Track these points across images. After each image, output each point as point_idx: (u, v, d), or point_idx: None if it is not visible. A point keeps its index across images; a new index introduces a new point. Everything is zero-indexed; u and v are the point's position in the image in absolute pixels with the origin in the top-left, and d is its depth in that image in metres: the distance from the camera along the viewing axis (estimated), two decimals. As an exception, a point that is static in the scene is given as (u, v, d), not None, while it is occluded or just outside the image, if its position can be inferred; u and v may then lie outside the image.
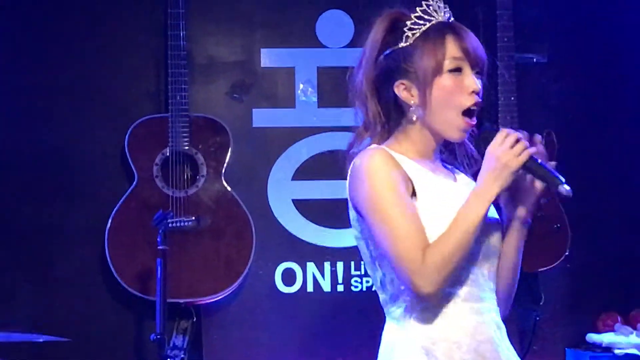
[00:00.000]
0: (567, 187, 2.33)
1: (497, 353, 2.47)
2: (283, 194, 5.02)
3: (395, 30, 2.46)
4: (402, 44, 2.42)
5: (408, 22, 2.43)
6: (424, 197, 2.42)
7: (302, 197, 5.04)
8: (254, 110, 5.01)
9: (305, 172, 5.04)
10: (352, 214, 2.49)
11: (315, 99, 5.06)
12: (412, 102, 2.42)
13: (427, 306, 2.44)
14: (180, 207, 4.75)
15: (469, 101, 2.40)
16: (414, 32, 2.42)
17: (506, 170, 2.34)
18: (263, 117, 5.04)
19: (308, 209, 5.03)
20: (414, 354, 2.43)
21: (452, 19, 2.48)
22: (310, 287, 5.01)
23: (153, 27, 4.97)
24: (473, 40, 2.45)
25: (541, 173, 2.39)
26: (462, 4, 4.83)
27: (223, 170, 4.84)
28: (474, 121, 2.43)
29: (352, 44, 5.01)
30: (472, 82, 2.41)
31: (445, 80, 2.40)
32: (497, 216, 2.56)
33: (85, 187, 4.91)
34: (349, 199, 2.48)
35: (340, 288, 5.01)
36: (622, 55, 5.23)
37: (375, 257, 2.48)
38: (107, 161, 4.91)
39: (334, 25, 5.05)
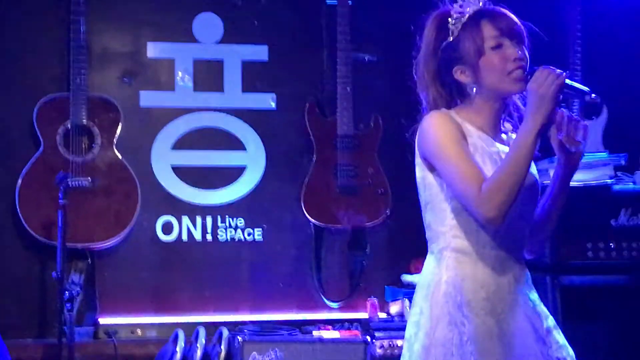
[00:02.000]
0: (593, 95, 2.53)
1: (512, 300, 2.64)
2: (164, 161, 5.32)
3: (443, 28, 2.66)
4: (450, 38, 2.64)
5: (450, 19, 2.65)
6: (473, 153, 2.61)
7: (180, 163, 5.35)
8: (140, 92, 5.33)
9: (182, 143, 5.36)
10: (419, 168, 2.70)
11: (191, 85, 5.38)
12: (468, 81, 2.65)
13: (461, 247, 2.63)
14: (79, 169, 5.02)
15: (512, 65, 2.61)
16: (456, 26, 2.64)
17: (545, 100, 2.49)
18: (148, 98, 5.34)
19: (184, 173, 5.34)
20: (444, 285, 2.63)
21: (486, 4, 2.67)
22: (185, 237, 5.33)
23: (58, 21, 5.20)
24: (508, 18, 2.65)
25: (574, 92, 2.54)
26: (308, 13, 5.41)
27: (115, 141, 5.13)
28: (519, 72, 2.59)
29: (222, 40, 5.42)
30: (513, 51, 2.61)
31: (488, 58, 2.61)
32: (536, 180, 2.70)
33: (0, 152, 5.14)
34: (417, 156, 2.70)
35: (209, 237, 5.34)
36: None
37: (425, 202, 2.70)
38: (18, 131, 5.15)
39: (208, 25, 5.41)
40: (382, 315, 5.25)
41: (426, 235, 2.72)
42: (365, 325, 5.03)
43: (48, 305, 5.10)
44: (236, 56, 5.50)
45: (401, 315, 5.14)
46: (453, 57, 2.66)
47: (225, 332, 4.82)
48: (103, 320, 5.15)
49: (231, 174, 5.47)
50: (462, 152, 2.57)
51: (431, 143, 2.62)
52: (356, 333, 4.89)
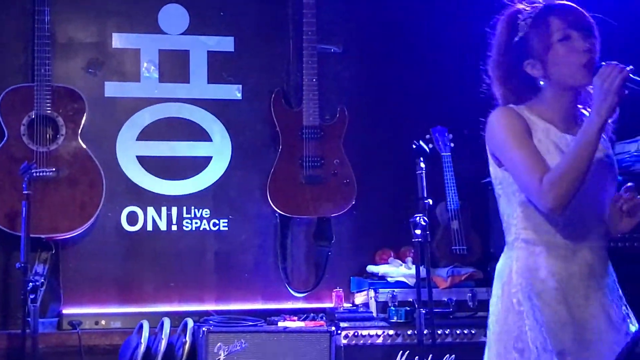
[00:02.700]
0: None
1: (585, 288, 2.66)
2: (129, 152, 5.33)
3: (513, 26, 2.73)
4: (520, 34, 2.71)
5: (520, 16, 2.72)
6: (539, 145, 2.65)
7: (145, 154, 5.35)
8: (106, 83, 5.33)
9: (147, 134, 5.35)
10: (491, 163, 2.76)
11: (156, 76, 5.38)
12: (538, 74, 2.70)
13: (530, 238, 2.69)
14: (43, 160, 5.01)
15: (583, 57, 2.65)
16: (526, 22, 2.71)
17: (609, 94, 2.51)
18: (113, 89, 5.34)
19: (149, 163, 5.35)
20: (515, 275, 2.69)
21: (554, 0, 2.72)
22: (150, 227, 5.34)
23: (23, 12, 5.21)
24: (576, 11, 2.69)
25: (639, 87, 2.53)
26: (274, 4, 5.43)
27: (79, 131, 5.11)
28: (591, 61, 2.63)
29: (187, 32, 5.42)
30: (581, 43, 2.65)
31: (556, 50, 2.66)
32: (612, 162, 2.74)
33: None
34: (488, 151, 2.76)
35: (174, 228, 5.36)
36: (400, 50, 5.60)
37: (498, 195, 2.78)
38: (-18, 121, 5.04)
39: (173, 16, 5.43)
40: (348, 305, 5.28)
41: (503, 227, 2.79)
42: (330, 316, 5.06)
43: (12, 296, 5.10)
44: (202, 47, 5.50)
45: (366, 305, 5.18)
46: (523, 52, 2.71)
47: (190, 323, 4.83)
48: (67, 311, 5.13)
49: (197, 165, 5.47)
50: (525, 145, 2.63)
51: (496, 138, 2.70)
52: (321, 323, 4.91)
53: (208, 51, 5.50)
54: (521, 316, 2.67)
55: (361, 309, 5.16)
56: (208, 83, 5.51)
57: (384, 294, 5.09)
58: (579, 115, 2.77)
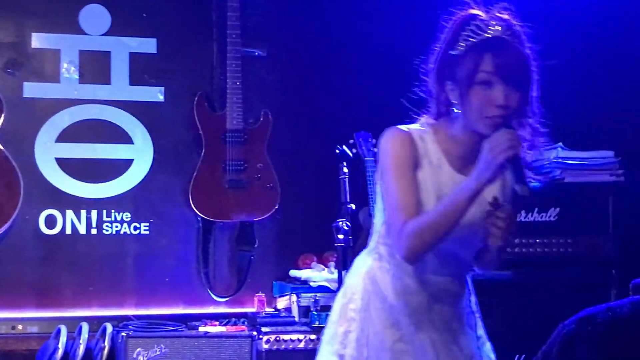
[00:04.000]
0: (523, 188, 2.42)
1: (419, 320, 2.63)
2: (47, 154, 5.25)
3: (458, 34, 2.56)
4: (454, 52, 2.55)
5: (464, 33, 2.55)
6: (421, 181, 2.58)
7: (64, 156, 5.27)
8: (24, 83, 5.25)
9: (67, 136, 5.28)
10: (378, 172, 2.67)
11: (77, 77, 5.31)
12: (455, 101, 2.57)
13: (385, 254, 2.67)
14: None
15: (492, 112, 2.49)
16: (464, 44, 2.54)
17: (491, 166, 2.41)
18: (32, 90, 5.26)
19: (68, 166, 5.27)
20: (363, 282, 2.70)
21: (504, 35, 2.52)
22: (68, 230, 5.26)
23: None
24: (510, 58, 2.50)
25: (516, 169, 2.45)
26: (198, 6, 5.39)
27: None
28: (497, 120, 2.48)
29: (109, 33, 5.36)
30: (499, 95, 2.47)
31: (475, 91, 2.50)
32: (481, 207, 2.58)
33: None
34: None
35: (94, 231, 5.29)
36: (324, 54, 5.58)
37: (378, 206, 2.70)
38: None
39: (94, 16, 5.35)
40: (270, 310, 5.27)
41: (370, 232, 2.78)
42: (252, 320, 5.05)
43: None
44: (124, 48, 5.45)
45: (288, 310, 5.18)
46: (449, 71, 2.58)
47: (109, 328, 4.79)
48: (-17, 316, 5.01)
49: (118, 167, 5.42)
50: (404, 180, 2.56)
51: (381, 160, 2.63)
52: (243, 328, 4.91)
53: (130, 52, 5.45)
54: (350, 324, 2.67)
55: (283, 314, 5.15)
56: (130, 85, 5.45)
57: (307, 299, 5.08)
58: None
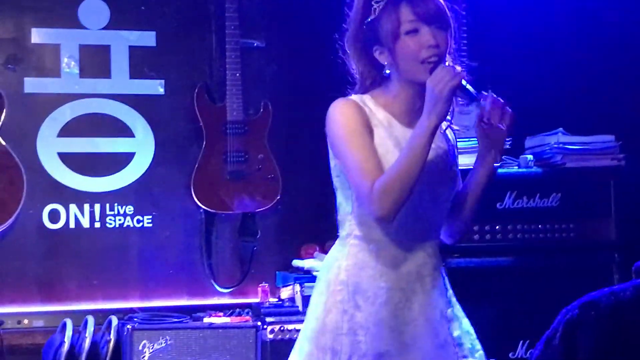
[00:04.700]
0: (482, 101, 2.51)
1: (411, 290, 2.62)
2: (50, 148, 5.24)
3: (368, 4, 2.62)
4: (371, 17, 2.61)
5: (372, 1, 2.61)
6: (379, 144, 2.58)
7: (66, 150, 5.26)
8: (25, 79, 5.23)
9: (68, 130, 5.27)
10: (330, 155, 2.71)
11: (77, 71, 5.29)
12: (385, 62, 2.62)
13: (364, 235, 2.63)
14: None
15: (426, 53, 2.55)
16: (379, 5, 2.60)
17: (440, 101, 2.45)
18: (33, 85, 5.24)
19: (71, 160, 5.27)
20: (342, 273, 2.66)
21: None
22: (72, 224, 5.24)
23: None
24: (428, 2, 2.57)
25: (466, 95, 2.52)
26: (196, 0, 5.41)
27: None
28: (433, 60, 2.53)
29: (108, 26, 5.36)
30: (429, 37, 2.55)
31: (404, 42, 2.56)
32: (452, 166, 2.68)
33: None
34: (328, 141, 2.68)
35: (97, 225, 5.27)
36: (324, 43, 5.65)
37: (335, 187, 2.72)
38: None
39: (93, 10, 5.33)
40: (274, 300, 5.28)
41: (337, 220, 2.73)
42: (256, 311, 5.06)
43: None
44: (123, 42, 5.44)
45: (292, 300, 5.17)
46: (373, 37, 2.63)
47: (115, 321, 4.80)
48: (-12, 311, 5.03)
49: (119, 161, 5.42)
50: (361, 145, 2.55)
51: (332, 133, 2.63)
52: (247, 319, 4.91)
53: (129, 46, 5.45)
54: (342, 315, 2.63)
55: (287, 304, 5.15)
56: (130, 78, 5.45)
57: (310, 288, 4.88)
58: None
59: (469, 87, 2.50)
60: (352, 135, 2.57)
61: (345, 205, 2.68)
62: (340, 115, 2.61)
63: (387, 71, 2.64)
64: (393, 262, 2.63)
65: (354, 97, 2.67)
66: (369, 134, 2.58)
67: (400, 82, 2.63)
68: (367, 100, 2.65)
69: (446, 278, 2.76)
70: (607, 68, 5.61)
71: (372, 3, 2.61)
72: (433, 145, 2.54)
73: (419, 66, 2.56)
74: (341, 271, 2.66)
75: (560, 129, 5.03)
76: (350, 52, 2.70)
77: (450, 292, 2.76)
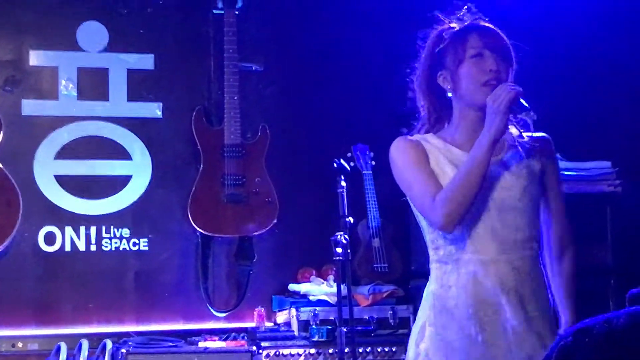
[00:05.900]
0: (531, 113, 2.66)
1: (497, 307, 2.67)
2: (46, 171, 5.25)
3: (440, 39, 2.78)
4: (441, 46, 2.76)
5: (446, 27, 2.79)
6: (435, 165, 2.73)
7: (63, 173, 5.27)
8: (23, 100, 5.25)
9: (65, 153, 5.28)
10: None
11: (75, 94, 5.32)
12: (448, 86, 2.76)
13: (442, 257, 2.74)
14: None
15: (486, 77, 2.70)
16: (448, 34, 2.76)
17: (498, 115, 2.60)
18: (31, 107, 5.26)
19: (68, 183, 5.27)
20: (431, 296, 2.78)
21: (482, 21, 2.79)
22: (68, 247, 5.24)
23: None
24: (495, 34, 2.75)
25: (520, 108, 2.65)
26: (195, 22, 5.44)
27: None
28: (492, 84, 2.67)
29: (107, 49, 5.37)
30: (491, 62, 2.70)
31: (468, 65, 2.71)
32: (521, 173, 2.77)
33: None
34: None
35: (93, 248, 5.27)
36: (321, 68, 5.59)
37: (419, 221, 2.84)
38: None
39: (92, 33, 5.36)
40: (269, 324, 5.26)
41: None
42: (251, 335, 5.03)
43: None
44: (121, 64, 5.45)
45: (288, 324, 5.17)
46: (439, 63, 2.78)
47: (109, 345, 4.77)
48: (-17, 334, 4.99)
49: (116, 184, 5.42)
50: (420, 171, 2.70)
51: (394, 170, 2.78)
52: (242, 343, 4.88)
53: (128, 69, 5.46)
54: (433, 336, 2.73)
55: (283, 328, 5.15)
56: (128, 101, 5.46)
57: (306, 313, 5.08)
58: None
59: (522, 101, 2.64)
60: (412, 165, 2.72)
61: (424, 235, 2.81)
62: (396, 150, 2.77)
63: (449, 94, 2.76)
64: (472, 277, 2.70)
65: (415, 136, 2.81)
66: (426, 160, 2.74)
67: (461, 108, 2.77)
68: (429, 137, 2.79)
69: (540, 282, 2.80)
70: (604, 95, 5.63)
71: (443, 34, 2.77)
72: (495, 159, 2.70)
73: (480, 88, 2.70)
74: (430, 295, 2.78)
75: (557, 155, 5.01)
76: (417, 84, 2.83)
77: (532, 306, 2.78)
